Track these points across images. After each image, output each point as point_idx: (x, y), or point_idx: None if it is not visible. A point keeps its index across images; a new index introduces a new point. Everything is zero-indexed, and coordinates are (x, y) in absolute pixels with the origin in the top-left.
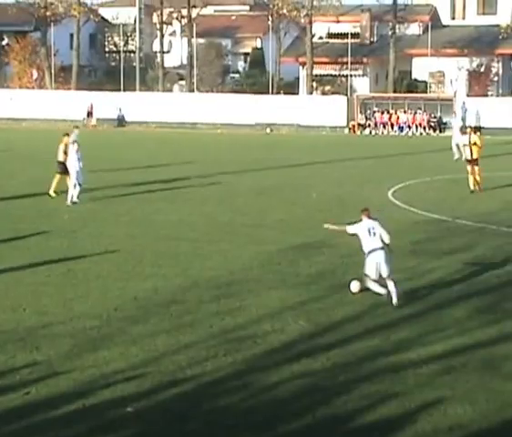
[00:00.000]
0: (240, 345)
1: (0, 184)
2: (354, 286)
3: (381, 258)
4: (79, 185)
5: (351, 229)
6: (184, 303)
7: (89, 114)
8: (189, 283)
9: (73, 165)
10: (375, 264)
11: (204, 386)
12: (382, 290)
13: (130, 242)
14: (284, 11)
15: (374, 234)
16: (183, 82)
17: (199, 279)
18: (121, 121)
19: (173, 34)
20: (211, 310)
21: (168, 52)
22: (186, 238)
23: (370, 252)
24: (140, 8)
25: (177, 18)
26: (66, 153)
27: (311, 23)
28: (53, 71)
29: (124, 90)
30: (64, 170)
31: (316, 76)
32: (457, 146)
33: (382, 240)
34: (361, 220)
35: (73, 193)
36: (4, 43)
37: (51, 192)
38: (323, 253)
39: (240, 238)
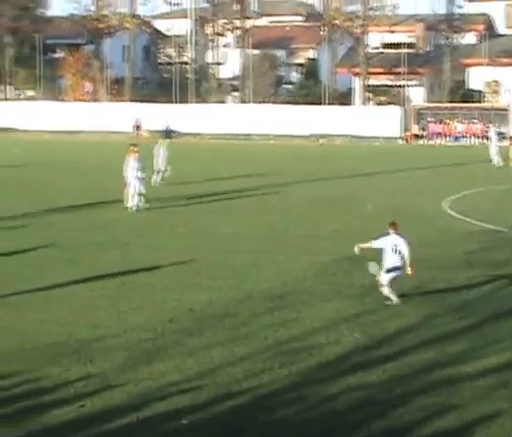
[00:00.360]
0: (296, 357)
1: (55, 196)
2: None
3: (398, 275)
4: (140, 194)
5: (376, 244)
6: (239, 315)
7: (138, 127)
8: (244, 295)
9: (132, 174)
10: (392, 280)
11: (260, 398)
12: (394, 298)
13: (186, 254)
14: (338, 22)
15: (396, 252)
16: (237, 93)
17: (254, 291)
18: (168, 133)
19: (227, 45)
20: (266, 322)
21: (222, 64)
22: (241, 249)
23: (389, 270)
24: (196, 20)
25: (230, 29)
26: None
27: (365, 33)
28: (106, 83)
29: (177, 102)
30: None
31: (370, 86)
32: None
33: (402, 258)
34: (388, 234)
35: (135, 200)
36: (58, 56)
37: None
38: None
39: (295, 249)
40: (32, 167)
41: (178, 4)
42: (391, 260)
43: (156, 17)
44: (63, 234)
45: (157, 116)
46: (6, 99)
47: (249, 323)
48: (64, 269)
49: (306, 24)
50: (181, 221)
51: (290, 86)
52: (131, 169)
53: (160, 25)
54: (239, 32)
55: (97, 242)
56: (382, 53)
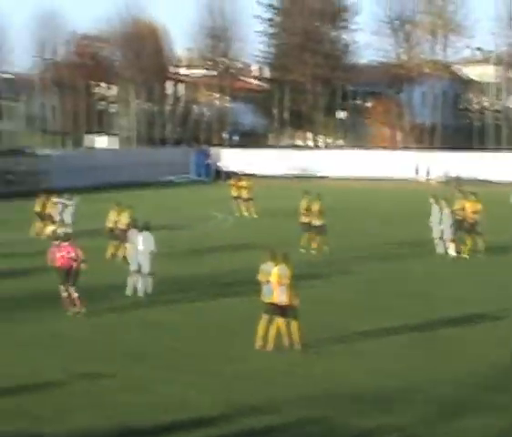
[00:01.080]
0: None
1: (365, 243)
2: None
3: None
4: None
5: None
6: None
7: (427, 173)
8: None
9: (446, 223)
10: None
11: None
12: None
13: (492, 305)
14: None
15: None
16: None
17: None
18: (456, 181)
19: None
20: None
21: None
22: None
23: None
24: (503, 64)
25: None
26: (477, 212)
27: None
28: (411, 131)
29: (480, 149)
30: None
31: None
32: None
33: None
34: None
35: (452, 248)
36: (363, 103)
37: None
38: None
39: None
40: (342, 214)
41: (481, 48)
42: None
43: (457, 63)
44: (367, 283)
45: (461, 164)
46: (313, 148)
47: None
48: (370, 318)
49: None
50: (487, 271)
51: None
52: (445, 218)
53: (464, 70)
54: None
55: (402, 292)
56: None
